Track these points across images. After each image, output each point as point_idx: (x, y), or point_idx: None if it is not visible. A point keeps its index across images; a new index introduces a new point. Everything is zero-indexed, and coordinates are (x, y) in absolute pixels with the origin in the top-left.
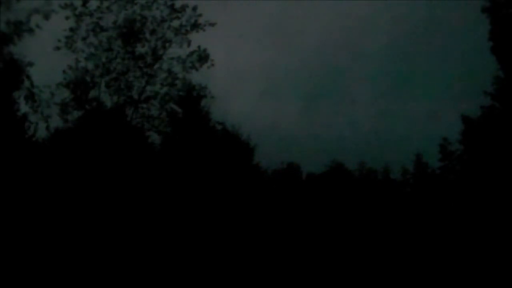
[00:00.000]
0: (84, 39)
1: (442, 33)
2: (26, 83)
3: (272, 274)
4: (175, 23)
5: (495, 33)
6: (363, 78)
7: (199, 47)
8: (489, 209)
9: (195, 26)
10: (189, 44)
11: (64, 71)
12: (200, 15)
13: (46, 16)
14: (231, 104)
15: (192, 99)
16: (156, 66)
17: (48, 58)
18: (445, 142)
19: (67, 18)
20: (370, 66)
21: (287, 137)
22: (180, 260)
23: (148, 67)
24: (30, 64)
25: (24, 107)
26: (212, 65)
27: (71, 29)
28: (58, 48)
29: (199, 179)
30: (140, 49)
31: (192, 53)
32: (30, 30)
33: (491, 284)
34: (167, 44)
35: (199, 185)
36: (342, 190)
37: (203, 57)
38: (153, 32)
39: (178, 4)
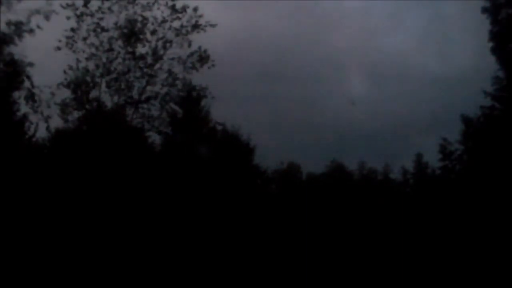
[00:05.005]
0: (85, 39)
1: (442, 33)
2: (27, 84)
3: (272, 274)
4: (176, 24)
5: (495, 33)
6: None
7: (199, 47)
8: (490, 209)
9: (196, 26)
10: (189, 45)
11: (64, 71)
12: (201, 16)
13: (47, 17)
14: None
15: (192, 99)
16: (157, 66)
17: (48, 58)
18: (445, 142)
19: (68, 18)
20: (369, 66)
21: (287, 137)
22: (180, 261)
23: (149, 68)
24: (31, 64)
25: (24, 108)
26: (213, 65)
27: (72, 29)
28: (58, 48)
29: (199, 179)
30: (140, 49)
31: (192, 53)
32: (31, 31)
33: (491, 284)
34: (167, 45)
35: (199, 185)
36: (342, 190)
37: (203, 57)
38: (153, 32)
39: (179, 5)
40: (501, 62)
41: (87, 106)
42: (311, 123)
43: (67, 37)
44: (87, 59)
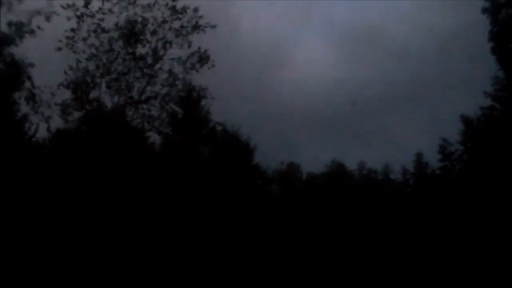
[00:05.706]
0: (85, 40)
1: (442, 33)
2: (27, 84)
3: (272, 274)
4: (176, 24)
5: (495, 33)
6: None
7: (199, 48)
8: (490, 209)
9: (196, 27)
10: (189, 45)
11: (65, 72)
12: (201, 16)
13: (47, 18)
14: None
15: (192, 99)
16: (157, 66)
17: (49, 59)
18: (445, 143)
19: (68, 19)
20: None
21: (287, 137)
22: (180, 261)
23: (149, 68)
24: (31, 65)
25: (24, 108)
26: (213, 66)
27: (73, 30)
28: (59, 49)
29: (199, 179)
30: (141, 50)
31: (192, 54)
32: (31, 31)
33: (491, 283)
34: (167, 45)
35: (200, 185)
36: (342, 190)
37: (203, 58)
38: (154, 33)
39: (179, 6)
40: (501, 62)
41: (87, 107)
42: (311, 122)
43: (68, 38)
44: (87, 59)
